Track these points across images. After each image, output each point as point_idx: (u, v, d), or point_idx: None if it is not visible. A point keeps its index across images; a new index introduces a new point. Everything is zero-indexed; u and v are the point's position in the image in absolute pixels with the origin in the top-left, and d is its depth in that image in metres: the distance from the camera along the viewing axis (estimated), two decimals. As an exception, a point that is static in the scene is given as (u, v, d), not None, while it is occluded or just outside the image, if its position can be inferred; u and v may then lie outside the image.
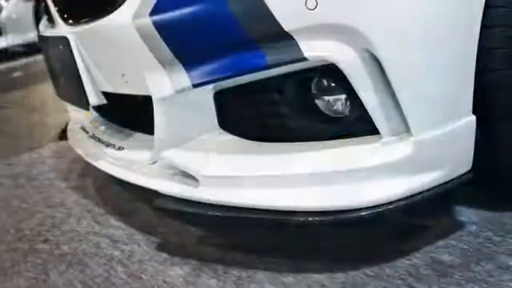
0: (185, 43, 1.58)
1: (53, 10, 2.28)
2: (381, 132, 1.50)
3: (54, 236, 2.25)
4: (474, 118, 1.54)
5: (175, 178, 1.87)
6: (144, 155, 1.98)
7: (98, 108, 2.56)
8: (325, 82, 1.63)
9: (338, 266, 1.69)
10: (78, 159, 3.00)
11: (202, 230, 2.07)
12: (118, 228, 2.21)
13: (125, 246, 2.05)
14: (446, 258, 1.65)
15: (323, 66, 1.51)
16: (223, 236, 1.99)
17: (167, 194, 1.86)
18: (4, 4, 9.60)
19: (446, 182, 1.59)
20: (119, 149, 2.17)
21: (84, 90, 2.07)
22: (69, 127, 2.94)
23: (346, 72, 1.44)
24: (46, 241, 2.22)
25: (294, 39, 1.45)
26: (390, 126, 1.49)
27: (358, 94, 1.46)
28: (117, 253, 2.01)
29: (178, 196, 1.82)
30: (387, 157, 1.50)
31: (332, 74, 1.52)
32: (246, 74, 1.57)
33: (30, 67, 8.37)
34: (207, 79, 1.59)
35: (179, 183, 1.84)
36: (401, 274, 1.60)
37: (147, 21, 1.59)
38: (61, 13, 2.21)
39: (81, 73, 2.05)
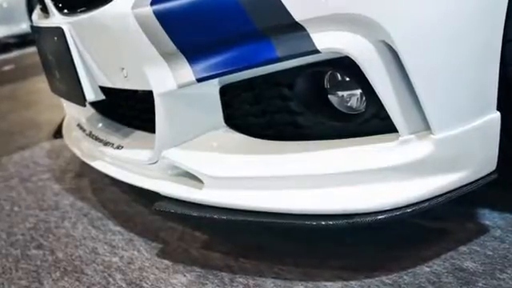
0: (188, 34, 1.58)
1: (47, -2, 2.29)
2: (399, 130, 1.50)
3: (47, 241, 2.25)
4: (498, 114, 1.54)
5: (178, 179, 1.87)
6: (144, 155, 1.98)
7: (95, 104, 2.57)
8: (338, 77, 1.64)
9: (352, 273, 1.69)
10: (74, 159, 3.02)
11: (207, 235, 2.07)
12: (116, 233, 2.21)
13: (124, 251, 2.06)
14: (468, 264, 1.65)
15: (337, 58, 1.51)
16: (229, 241, 2.00)
17: (169, 196, 1.87)
18: (-6, -8, 9.62)
19: (469, 184, 1.59)
20: (118, 148, 2.18)
21: (80, 85, 2.07)
22: (64, 124, 2.95)
23: (361, 65, 1.44)
24: (39, 246, 2.23)
25: (305, 30, 1.45)
26: (408, 123, 1.49)
27: (375, 89, 1.46)
28: (115, 259, 2.02)
29: (181, 198, 1.82)
30: (406, 156, 1.50)
31: (346, 67, 1.51)
32: (254, 67, 1.57)
33: (22, 60, 8.40)
34: (212, 73, 1.59)
35: (182, 184, 1.84)
36: (420, 282, 1.60)
37: (148, 10, 1.59)
38: (55, 2, 2.22)
39: (77, 66, 2.06)
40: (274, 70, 1.63)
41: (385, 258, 1.75)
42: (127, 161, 2.10)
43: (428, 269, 1.66)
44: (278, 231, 1.96)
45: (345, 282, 1.66)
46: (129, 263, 1.97)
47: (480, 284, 1.55)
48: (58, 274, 2.00)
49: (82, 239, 2.21)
